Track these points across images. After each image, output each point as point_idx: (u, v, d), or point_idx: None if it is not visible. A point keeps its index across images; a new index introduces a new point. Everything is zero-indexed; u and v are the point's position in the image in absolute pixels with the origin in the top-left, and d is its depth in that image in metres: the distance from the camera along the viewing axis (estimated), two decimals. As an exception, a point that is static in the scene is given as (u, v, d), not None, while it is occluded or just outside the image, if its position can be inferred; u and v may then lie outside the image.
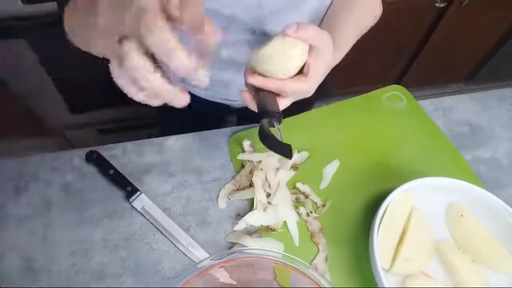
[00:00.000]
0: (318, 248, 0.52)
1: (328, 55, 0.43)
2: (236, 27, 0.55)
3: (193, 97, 0.70)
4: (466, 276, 0.48)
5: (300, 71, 0.43)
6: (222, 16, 0.53)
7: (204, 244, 0.52)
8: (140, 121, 1.47)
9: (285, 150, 0.43)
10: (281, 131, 0.43)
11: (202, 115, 0.67)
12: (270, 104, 0.42)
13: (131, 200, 0.54)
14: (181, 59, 0.28)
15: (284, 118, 0.63)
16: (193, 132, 0.63)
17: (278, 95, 0.44)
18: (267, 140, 0.42)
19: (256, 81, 0.42)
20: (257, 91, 0.43)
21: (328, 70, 0.49)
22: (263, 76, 0.42)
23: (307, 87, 0.43)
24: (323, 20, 0.59)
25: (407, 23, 1.38)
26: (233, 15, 0.53)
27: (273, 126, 0.42)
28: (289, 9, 0.55)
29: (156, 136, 0.63)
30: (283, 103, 0.44)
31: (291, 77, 0.42)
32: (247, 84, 0.44)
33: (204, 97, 0.73)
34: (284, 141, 0.60)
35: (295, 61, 0.41)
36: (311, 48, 0.42)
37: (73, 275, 0.49)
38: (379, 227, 0.48)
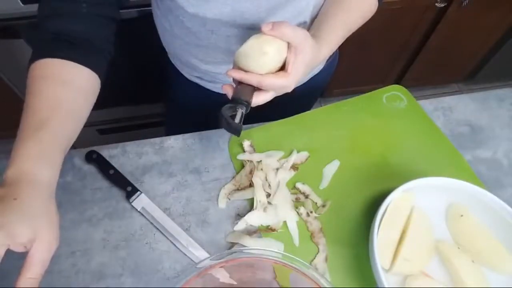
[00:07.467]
0: (318, 248, 0.52)
1: (307, 51, 0.45)
2: (238, 27, 0.55)
3: (208, 92, 0.69)
4: (466, 276, 0.48)
5: (283, 67, 0.45)
6: (222, 22, 0.54)
7: (204, 244, 0.52)
8: (140, 121, 1.46)
9: (235, 130, 0.46)
10: (243, 116, 0.46)
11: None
12: (244, 94, 0.45)
13: (131, 200, 0.54)
14: None
15: (284, 118, 0.64)
16: (198, 131, 0.63)
17: (258, 89, 0.46)
18: (221, 119, 0.46)
19: (235, 74, 0.44)
20: (239, 84, 0.46)
21: (313, 66, 0.50)
22: (244, 71, 0.45)
23: (286, 82, 0.45)
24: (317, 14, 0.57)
25: (407, 23, 1.37)
26: (233, 20, 0.54)
27: (236, 111, 0.46)
28: (286, 5, 0.54)
29: (156, 136, 0.63)
30: (264, 97, 0.47)
31: (273, 73, 0.45)
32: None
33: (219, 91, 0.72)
34: (285, 142, 0.63)
35: (270, 57, 0.43)
36: (289, 45, 0.44)
37: (73, 275, 0.49)
38: (379, 227, 0.48)
